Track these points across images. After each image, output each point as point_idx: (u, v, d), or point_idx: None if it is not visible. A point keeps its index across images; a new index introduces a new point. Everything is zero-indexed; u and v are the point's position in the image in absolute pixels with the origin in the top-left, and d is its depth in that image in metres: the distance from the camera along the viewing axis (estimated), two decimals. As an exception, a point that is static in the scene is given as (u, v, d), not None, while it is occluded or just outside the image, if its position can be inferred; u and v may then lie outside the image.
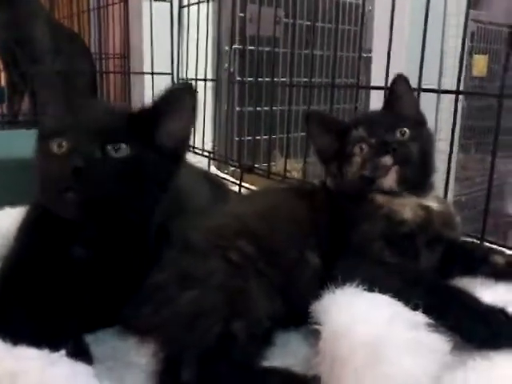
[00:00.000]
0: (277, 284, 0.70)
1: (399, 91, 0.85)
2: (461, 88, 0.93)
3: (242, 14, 1.99)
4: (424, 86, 0.98)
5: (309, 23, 2.11)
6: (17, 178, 0.73)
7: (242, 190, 1.38)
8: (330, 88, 1.11)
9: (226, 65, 2.04)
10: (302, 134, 2.07)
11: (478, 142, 2.41)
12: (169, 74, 1.78)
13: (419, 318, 0.56)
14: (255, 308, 0.65)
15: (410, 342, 0.53)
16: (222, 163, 1.74)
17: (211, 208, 0.91)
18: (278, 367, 0.61)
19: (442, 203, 0.83)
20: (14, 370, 0.48)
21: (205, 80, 1.60)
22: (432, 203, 0.80)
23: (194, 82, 1.61)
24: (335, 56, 1.24)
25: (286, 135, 1.47)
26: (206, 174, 1.18)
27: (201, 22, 1.64)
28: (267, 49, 2.08)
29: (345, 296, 0.62)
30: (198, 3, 1.66)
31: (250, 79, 1.80)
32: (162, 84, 1.75)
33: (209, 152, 1.62)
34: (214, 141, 1.73)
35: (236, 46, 2.05)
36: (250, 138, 2.01)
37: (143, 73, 1.80)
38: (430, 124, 0.88)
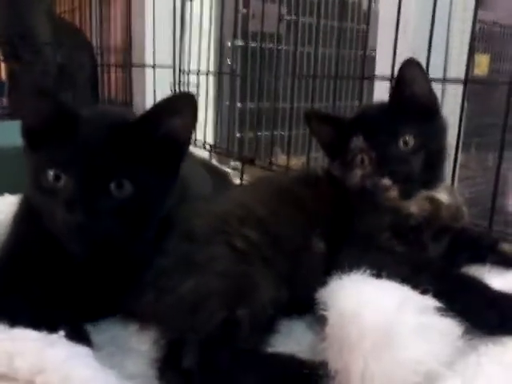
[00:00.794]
0: (282, 271, 0.69)
1: (410, 77, 0.78)
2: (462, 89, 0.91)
3: (244, 10, 1.98)
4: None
5: (311, 20, 2.10)
6: (17, 166, 0.71)
7: (243, 183, 1.36)
8: (334, 79, 1.09)
9: (229, 61, 2.03)
10: (303, 130, 2.07)
11: (479, 141, 2.40)
12: (170, 67, 1.76)
13: (429, 302, 0.55)
14: (259, 295, 0.63)
15: (420, 327, 0.52)
16: (223, 158, 1.72)
17: (213, 196, 0.89)
18: (282, 352, 0.60)
19: (451, 194, 0.81)
20: (12, 350, 0.47)
21: (207, 74, 1.59)
22: (441, 195, 0.79)
23: (195, 76, 1.61)
24: (339, 45, 1.22)
25: (288, 132, 1.45)
26: (207, 164, 1.17)
27: (204, 16, 1.63)
28: (270, 45, 2.08)
29: (352, 282, 0.60)
30: (201, -3, 1.65)
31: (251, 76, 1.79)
32: (164, 78, 1.76)
33: (210, 145, 1.61)
34: (215, 135, 1.72)
35: (238, 43, 2.04)
36: (251, 134, 2.00)
37: (145, 65, 1.79)
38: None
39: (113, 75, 1.98)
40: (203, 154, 1.57)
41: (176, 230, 0.72)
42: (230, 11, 1.87)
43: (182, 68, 1.76)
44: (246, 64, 1.99)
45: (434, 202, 0.77)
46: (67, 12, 2.17)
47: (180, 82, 1.74)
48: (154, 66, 1.74)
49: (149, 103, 1.84)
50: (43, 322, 0.56)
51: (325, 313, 0.59)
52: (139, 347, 0.65)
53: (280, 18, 1.56)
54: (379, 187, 0.76)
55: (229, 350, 0.56)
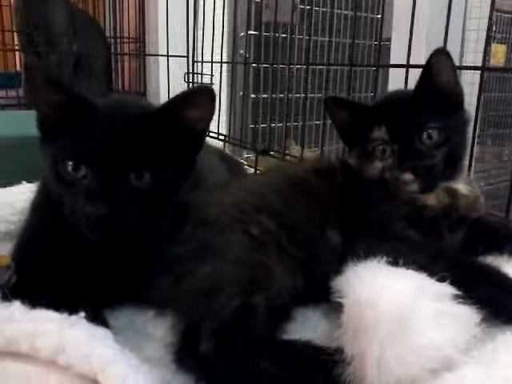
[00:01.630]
0: (297, 260, 0.69)
1: (439, 65, 0.76)
2: (478, 76, 0.90)
3: (258, 0, 1.97)
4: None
5: (325, 9, 2.09)
6: (33, 155, 0.72)
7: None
8: (349, 67, 1.08)
9: (242, 51, 2.03)
10: (317, 122, 2.06)
11: (494, 133, 2.38)
12: (184, 56, 1.76)
13: (446, 289, 0.55)
14: (275, 282, 0.64)
15: (436, 313, 0.52)
16: (236, 149, 1.72)
17: (228, 184, 0.89)
18: (298, 339, 0.60)
19: (469, 184, 0.80)
20: (34, 331, 0.48)
21: (220, 62, 1.58)
22: (459, 186, 0.78)
23: (209, 65, 1.60)
24: (354, 34, 1.21)
25: (302, 122, 1.45)
26: (221, 153, 1.17)
27: (217, 5, 1.62)
28: (283, 35, 2.07)
29: (368, 269, 0.61)
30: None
31: (265, 65, 1.78)
32: (178, 67, 1.76)
33: (224, 136, 1.61)
34: (229, 126, 1.72)
35: (251, 32, 2.03)
36: (264, 125, 1.99)
37: (159, 55, 1.79)
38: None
39: (126, 64, 1.99)
40: (217, 144, 1.57)
41: (192, 218, 0.73)
42: (243, 1, 1.87)
43: (195, 58, 1.76)
44: (260, 54, 1.98)
45: (452, 193, 0.77)
46: (81, 1, 2.17)
47: (194, 71, 1.74)
48: (167, 56, 1.74)
49: (162, 93, 1.84)
50: (63, 304, 0.57)
51: (341, 300, 0.59)
52: (156, 332, 0.65)
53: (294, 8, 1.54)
54: (400, 181, 0.75)
55: (245, 336, 0.57)
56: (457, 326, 0.51)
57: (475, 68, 0.87)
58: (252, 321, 0.59)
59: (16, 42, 2.19)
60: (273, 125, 1.77)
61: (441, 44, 0.94)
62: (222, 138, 1.58)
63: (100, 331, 0.52)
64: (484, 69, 0.84)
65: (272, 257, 0.66)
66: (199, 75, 1.73)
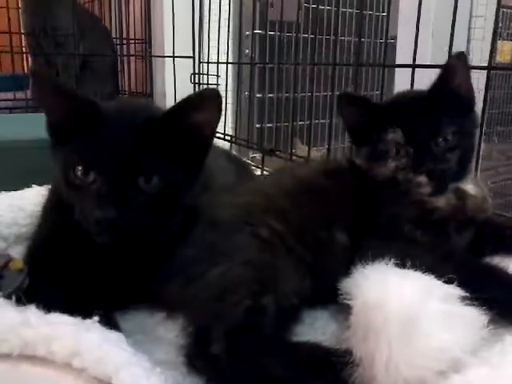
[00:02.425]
0: (306, 261, 0.70)
1: (457, 69, 0.77)
2: (485, 74, 0.90)
3: (263, -1, 1.97)
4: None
5: (329, 8, 2.08)
6: (43, 158, 0.72)
7: (264, 174, 1.37)
8: (355, 67, 1.08)
9: (247, 50, 2.03)
10: (323, 121, 2.06)
11: (501, 131, 2.37)
12: (190, 57, 1.76)
13: (454, 290, 0.55)
14: (284, 284, 0.65)
15: (444, 315, 0.52)
16: (242, 149, 1.73)
17: (237, 185, 0.90)
18: (308, 341, 0.61)
19: (477, 185, 0.81)
20: (50, 335, 0.49)
21: (226, 63, 1.59)
22: (468, 187, 0.79)
23: (215, 66, 1.61)
24: (360, 32, 1.21)
25: (309, 121, 1.45)
26: (229, 154, 1.17)
27: (223, 5, 1.63)
28: (288, 34, 2.07)
29: (376, 271, 0.61)
30: (219, -14, 1.65)
31: (271, 65, 1.78)
32: (184, 68, 1.77)
33: (230, 136, 1.61)
34: (235, 126, 1.73)
35: (257, 31, 2.03)
36: (270, 124, 1.99)
37: (165, 56, 1.80)
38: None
39: (132, 66, 1.99)
40: (223, 145, 1.57)
41: (201, 220, 0.73)
42: (248, 0, 1.86)
43: (201, 58, 1.76)
44: (265, 53, 1.98)
45: (461, 194, 0.77)
46: (87, 3, 2.18)
47: (200, 72, 1.75)
48: (173, 57, 1.75)
49: (169, 94, 1.85)
50: (77, 308, 0.58)
51: (349, 302, 0.60)
52: (166, 334, 0.66)
53: (299, 5, 1.54)
54: (413, 183, 0.75)
55: (255, 337, 0.57)
56: (465, 328, 0.52)
57: (482, 68, 0.86)
58: (262, 322, 0.60)
59: (24, 44, 2.21)
60: (279, 124, 1.78)
61: (446, 43, 0.94)
62: (228, 138, 1.59)
63: (114, 335, 0.53)
64: (490, 68, 0.84)
65: (280, 258, 0.67)
66: (205, 76, 1.73)
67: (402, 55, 1.28)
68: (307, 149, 1.35)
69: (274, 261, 0.66)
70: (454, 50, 1.07)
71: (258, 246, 0.67)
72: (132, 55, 1.99)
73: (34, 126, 1.26)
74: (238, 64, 1.58)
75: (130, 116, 0.71)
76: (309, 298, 0.70)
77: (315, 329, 0.68)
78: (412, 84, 0.96)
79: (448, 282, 0.57)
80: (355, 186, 0.80)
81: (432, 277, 0.58)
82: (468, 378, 0.48)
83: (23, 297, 0.64)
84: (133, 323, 0.70)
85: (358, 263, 0.65)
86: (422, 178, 0.75)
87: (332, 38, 1.90)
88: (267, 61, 1.95)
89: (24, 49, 2.22)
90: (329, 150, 1.25)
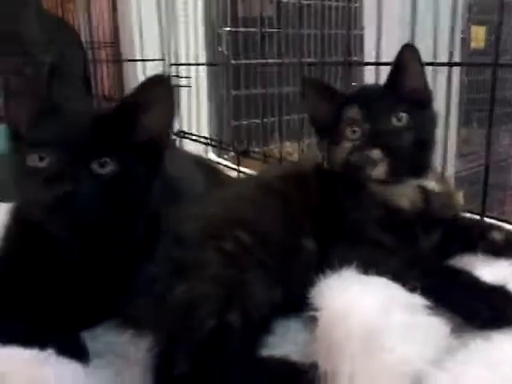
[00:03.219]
0: (274, 271, 0.69)
1: (406, 63, 0.78)
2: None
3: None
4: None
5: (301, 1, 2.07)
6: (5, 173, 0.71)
7: (241, 174, 1.36)
8: (320, 66, 1.07)
9: (220, 48, 2.01)
10: (302, 115, 2.05)
11: (480, 116, 2.37)
12: (160, 59, 1.74)
13: (417, 300, 0.55)
14: (252, 297, 0.64)
15: (406, 327, 0.52)
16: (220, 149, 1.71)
17: (204, 194, 0.89)
18: (274, 356, 0.60)
19: (441, 182, 0.80)
20: (2, 370, 0.48)
21: (196, 64, 1.57)
22: (431, 184, 0.78)
23: (186, 67, 1.59)
24: (323, 33, 1.20)
25: (279, 117, 1.44)
26: (199, 160, 1.16)
27: (191, 4, 1.60)
28: (253, 29, 2.05)
29: (340, 280, 0.61)
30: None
31: (242, 62, 1.76)
32: (155, 70, 1.74)
33: (206, 138, 1.60)
34: (210, 126, 1.71)
35: (228, 29, 2.01)
36: (245, 122, 1.98)
37: (134, 60, 1.77)
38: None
39: (104, 70, 1.96)
40: (198, 147, 1.56)
41: (167, 234, 0.72)
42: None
43: (172, 60, 1.74)
44: (238, 50, 1.97)
45: (423, 191, 0.77)
46: (52, 8, 2.13)
47: (171, 74, 1.72)
48: (143, 60, 1.72)
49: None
50: (35, 336, 0.56)
51: (315, 313, 0.59)
52: (136, 354, 0.65)
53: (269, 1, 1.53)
54: (368, 161, 0.75)
55: (221, 356, 0.56)
56: (427, 338, 0.51)
57: (444, 64, 0.86)
58: (229, 339, 0.59)
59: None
60: (256, 120, 1.77)
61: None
62: (203, 140, 1.57)
63: (70, 368, 0.51)
64: (452, 64, 0.84)
65: (247, 271, 0.66)
66: (177, 78, 1.71)
67: (370, 47, 1.26)
68: (287, 144, 1.34)
69: (239, 274, 0.65)
70: (422, 42, 1.07)
71: (223, 260, 0.66)
72: (102, 60, 1.95)
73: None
74: (208, 65, 1.56)
75: (83, 110, 0.74)
76: (281, 308, 0.69)
77: (287, 340, 0.67)
78: (377, 81, 0.95)
79: (412, 289, 0.57)
80: (321, 191, 0.79)
81: (396, 284, 0.58)
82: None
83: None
84: (102, 343, 0.69)
85: (325, 270, 0.64)
86: (376, 152, 0.74)
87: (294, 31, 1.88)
88: (241, 57, 1.94)
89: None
90: (299, 145, 1.23)
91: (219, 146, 1.54)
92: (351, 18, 1.10)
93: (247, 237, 0.69)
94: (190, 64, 1.62)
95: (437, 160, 0.85)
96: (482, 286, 0.59)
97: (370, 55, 1.19)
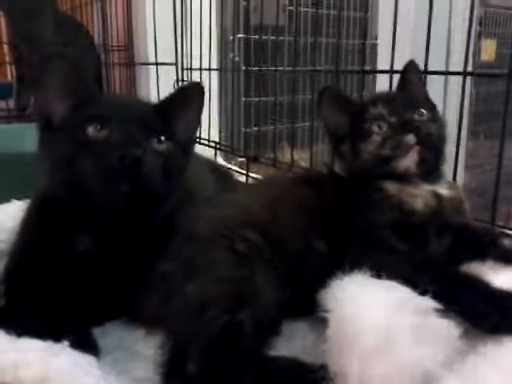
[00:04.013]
0: (284, 273, 0.69)
1: (410, 77, 0.86)
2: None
3: (245, 3, 1.97)
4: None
5: (312, 10, 2.08)
6: (25, 172, 0.72)
7: (249, 180, 1.36)
8: (335, 74, 1.08)
9: (231, 54, 2.03)
10: (307, 123, 2.06)
11: (488, 128, 2.37)
12: (173, 64, 1.76)
13: (428, 303, 0.55)
14: (261, 298, 0.64)
15: (418, 329, 0.52)
16: (228, 154, 1.72)
17: (217, 197, 0.90)
18: (285, 356, 0.60)
19: (453, 189, 0.81)
20: (17, 361, 0.48)
21: (209, 69, 1.58)
22: (443, 190, 0.79)
23: (199, 73, 1.60)
24: (339, 40, 1.21)
25: (291, 125, 1.45)
26: (211, 164, 1.17)
27: (204, 11, 1.62)
28: (272, 37, 2.07)
29: (352, 283, 0.61)
30: (200, -9, 1.63)
31: (254, 68, 1.77)
32: (168, 74, 1.76)
33: (215, 143, 1.61)
34: (220, 131, 1.72)
35: (240, 35, 2.03)
36: (256, 128, 1.99)
37: (147, 63, 1.79)
38: (438, 108, 0.87)
39: (117, 74, 1.98)
40: (209, 152, 1.57)
41: (180, 234, 0.73)
42: (230, 5, 1.86)
43: (185, 65, 1.76)
44: (250, 57, 1.98)
45: (436, 196, 0.77)
46: (69, 10, 2.16)
47: (183, 79, 1.74)
48: (156, 64, 1.74)
49: (153, 101, 1.84)
50: (49, 330, 0.57)
51: (326, 315, 0.60)
52: (146, 351, 0.66)
53: (280, 9, 1.54)
54: (401, 147, 0.76)
55: (231, 354, 0.57)
56: (438, 341, 0.52)
57: (458, 73, 0.87)
58: (239, 338, 0.59)
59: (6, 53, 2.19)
60: (265, 128, 1.77)
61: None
62: (212, 145, 1.58)
63: (84, 359, 0.52)
64: (466, 74, 0.85)
65: (258, 272, 0.66)
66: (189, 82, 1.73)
67: (383, 59, 1.27)
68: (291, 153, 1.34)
69: (250, 275, 0.66)
70: (434, 52, 1.08)
71: (234, 260, 0.67)
72: (115, 64, 1.97)
73: (14, 140, 1.25)
74: (221, 70, 1.57)
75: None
76: (289, 310, 0.70)
77: (295, 341, 0.68)
78: (390, 89, 0.96)
79: (423, 293, 0.57)
80: (334, 193, 0.80)
81: (407, 288, 0.58)
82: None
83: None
84: (112, 340, 0.70)
85: (336, 273, 0.65)
86: (411, 138, 0.75)
87: (310, 40, 1.90)
88: (252, 64, 1.95)
89: (7, 58, 2.21)
90: (311, 152, 1.24)
91: (230, 151, 1.54)
92: (367, 28, 1.11)
93: (258, 237, 0.70)
94: (202, 69, 1.63)
95: (447, 169, 0.86)
96: (492, 290, 0.60)
97: (382, 63, 1.20)
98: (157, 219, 0.74)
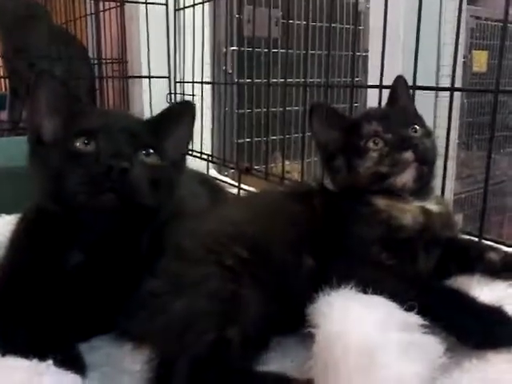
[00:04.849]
0: (272, 288, 0.69)
1: (399, 92, 0.87)
2: (460, 84, 0.92)
3: (238, 16, 1.99)
4: (423, 84, 0.96)
5: (304, 22, 2.10)
6: (15, 186, 0.72)
7: (241, 192, 1.37)
8: (325, 88, 1.09)
9: (224, 67, 2.04)
10: (296, 135, 2.07)
11: (479, 138, 2.39)
12: (166, 77, 1.77)
13: (413, 319, 0.55)
14: (249, 313, 0.64)
15: (403, 345, 0.52)
16: (221, 166, 1.73)
17: (207, 211, 0.90)
18: (272, 371, 0.60)
19: (442, 204, 0.81)
20: (1, 381, 0.48)
21: (201, 83, 1.59)
22: (432, 205, 0.79)
23: (191, 85, 1.61)
24: (329, 55, 1.22)
25: (283, 136, 1.46)
26: (202, 177, 1.17)
27: (197, 24, 1.63)
28: (265, 50, 2.08)
29: (339, 298, 0.61)
30: (193, 5, 1.65)
31: (248, 81, 1.79)
32: (161, 87, 1.77)
33: (207, 155, 1.61)
34: (212, 143, 1.72)
35: (233, 48, 2.05)
36: (249, 139, 1.99)
37: (140, 76, 1.79)
38: (429, 122, 0.87)
39: (110, 86, 1.99)
40: (200, 163, 1.57)
41: (168, 249, 0.73)
42: (223, 18, 1.88)
43: (178, 78, 1.77)
44: (243, 70, 1.99)
45: (426, 212, 0.77)
46: (63, 23, 2.17)
47: (176, 92, 1.75)
48: (149, 77, 1.75)
49: (147, 114, 1.84)
50: (35, 348, 0.57)
51: (313, 330, 0.60)
52: (133, 367, 0.65)
53: (272, 21, 1.55)
54: (399, 164, 0.75)
55: (218, 371, 0.57)
56: (423, 357, 0.52)
57: (445, 89, 0.88)
58: (227, 354, 0.59)
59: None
60: (258, 139, 1.78)
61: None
62: (205, 157, 1.59)
63: (68, 378, 0.52)
64: (453, 89, 0.85)
65: (246, 287, 0.66)
66: (181, 96, 1.74)
67: (374, 69, 1.28)
68: (286, 164, 1.35)
69: (239, 290, 0.65)
70: (425, 65, 1.09)
71: (222, 275, 0.66)
72: (109, 77, 1.98)
73: (5, 152, 1.24)
74: (213, 83, 1.58)
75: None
76: (278, 325, 0.69)
77: (284, 356, 0.68)
78: (380, 103, 0.97)
79: (409, 308, 0.57)
80: (323, 208, 0.80)
81: (393, 304, 0.58)
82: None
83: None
84: (99, 355, 0.69)
85: (324, 288, 0.65)
86: (409, 155, 0.75)
87: (301, 52, 1.91)
88: (245, 76, 1.96)
89: (1, 71, 2.21)
90: (302, 164, 1.24)
91: (222, 164, 1.55)
92: (356, 42, 1.11)
93: (246, 252, 0.70)
94: (195, 82, 1.64)
95: (436, 182, 0.86)
96: (478, 306, 0.60)
97: (373, 76, 1.21)
98: (146, 234, 0.74)
